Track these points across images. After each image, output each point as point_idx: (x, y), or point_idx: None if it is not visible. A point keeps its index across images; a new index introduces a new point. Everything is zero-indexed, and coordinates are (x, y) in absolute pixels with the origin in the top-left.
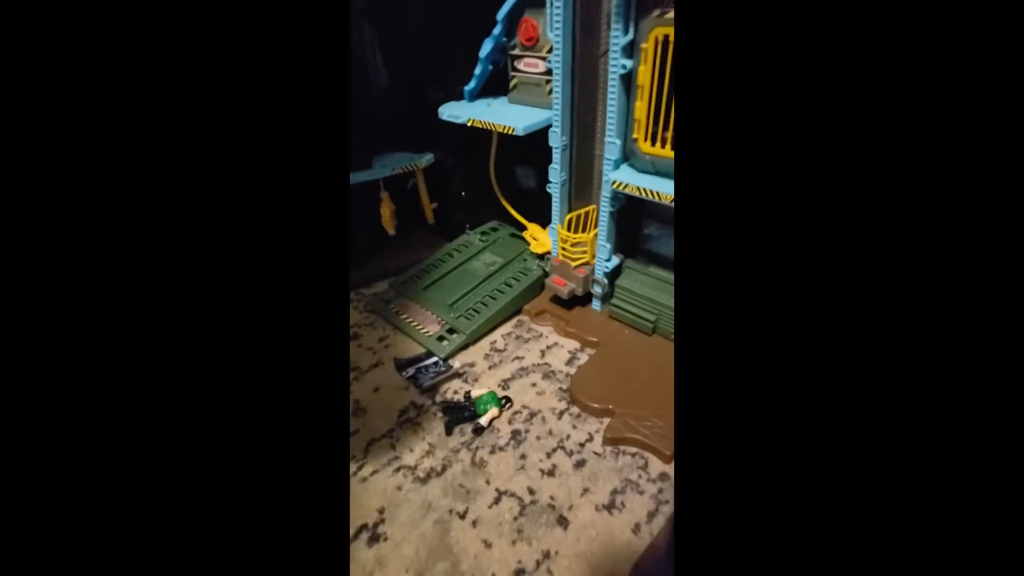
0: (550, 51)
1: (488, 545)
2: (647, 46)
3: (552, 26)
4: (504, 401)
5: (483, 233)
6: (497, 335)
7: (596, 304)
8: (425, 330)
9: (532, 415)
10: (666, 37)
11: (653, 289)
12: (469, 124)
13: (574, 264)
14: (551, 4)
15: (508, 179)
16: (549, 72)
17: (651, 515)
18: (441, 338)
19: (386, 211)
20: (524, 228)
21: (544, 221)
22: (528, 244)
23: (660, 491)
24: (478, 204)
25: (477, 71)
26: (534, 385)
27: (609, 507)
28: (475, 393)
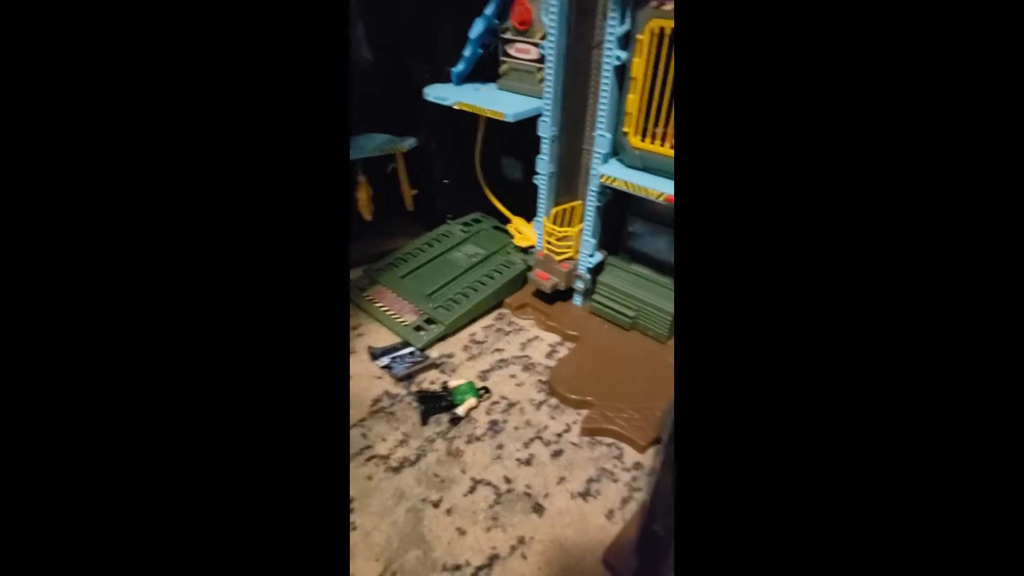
0: (543, 37)
1: (462, 532)
2: (643, 38)
3: (547, 11)
4: (482, 391)
5: (465, 224)
6: (477, 327)
7: (577, 299)
8: (401, 319)
9: (510, 406)
10: (662, 29)
11: (634, 286)
12: (456, 107)
13: (558, 259)
14: None
15: (493, 169)
16: (541, 59)
17: (625, 501)
18: (418, 328)
19: (363, 195)
20: (508, 221)
21: (528, 215)
22: (512, 237)
23: (634, 479)
24: (460, 193)
25: (466, 53)
26: (513, 377)
27: (584, 495)
28: (453, 383)
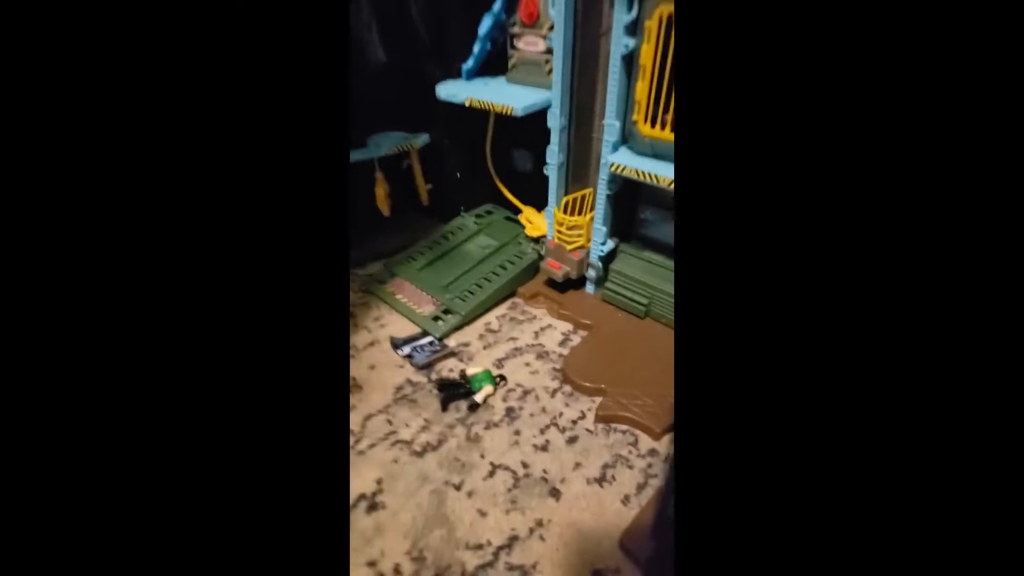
0: (551, 29)
1: (483, 514)
2: (651, 24)
3: (553, 2)
4: (499, 379)
5: (478, 216)
6: (492, 316)
7: (590, 287)
8: (420, 310)
9: (526, 393)
10: (670, 16)
11: (647, 273)
12: (467, 104)
13: (569, 247)
14: None
15: (504, 161)
16: (549, 51)
17: (640, 487)
18: (436, 318)
19: (381, 192)
20: (519, 211)
21: (539, 205)
22: (523, 227)
23: (649, 466)
24: (473, 186)
25: (475, 49)
26: (528, 365)
27: (600, 480)
28: (470, 371)
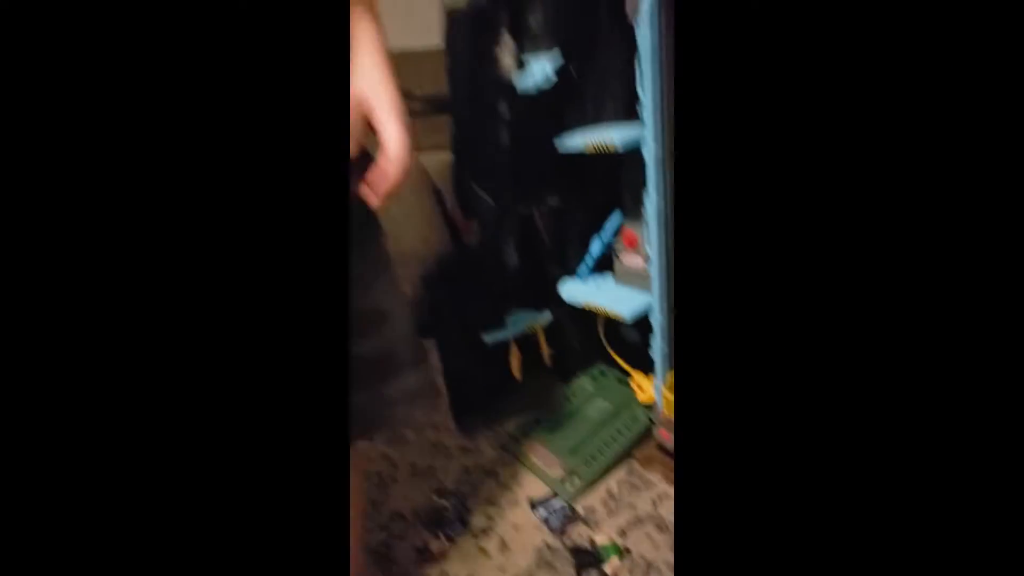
0: (648, 252)
1: None
2: None
3: (649, 238)
4: (622, 550)
5: (593, 378)
6: (612, 481)
7: None
8: (550, 472)
9: (648, 567)
10: None
11: None
12: (584, 308)
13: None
14: (647, 222)
15: (614, 332)
16: (649, 266)
17: None
18: (563, 481)
19: (515, 360)
20: (629, 375)
21: (649, 369)
22: (634, 392)
23: None
24: (588, 353)
25: (587, 259)
26: (649, 536)
27: None
28: (597, 539)
